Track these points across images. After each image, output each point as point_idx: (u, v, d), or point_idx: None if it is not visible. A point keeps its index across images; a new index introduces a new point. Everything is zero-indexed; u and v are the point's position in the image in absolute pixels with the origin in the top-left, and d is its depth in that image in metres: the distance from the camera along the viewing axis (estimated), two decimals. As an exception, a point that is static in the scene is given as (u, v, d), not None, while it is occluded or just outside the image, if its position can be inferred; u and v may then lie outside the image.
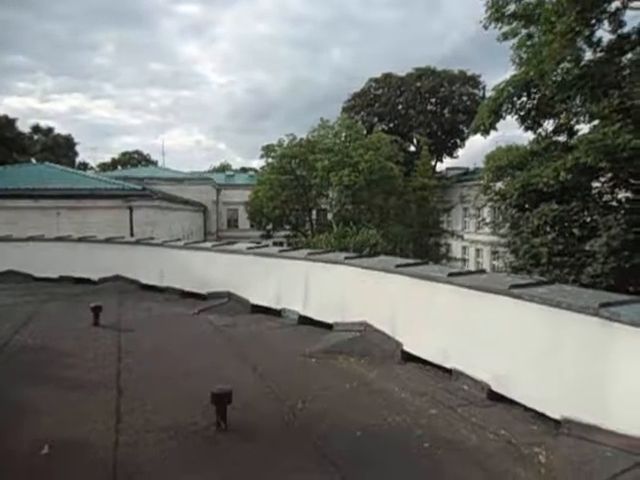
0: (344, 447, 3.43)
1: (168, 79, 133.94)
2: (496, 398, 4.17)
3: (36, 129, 54.62)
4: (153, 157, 75.05)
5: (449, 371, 4.71)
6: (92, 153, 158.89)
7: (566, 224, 13.23)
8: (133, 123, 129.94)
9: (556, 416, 3.65)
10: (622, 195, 14.33)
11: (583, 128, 16.70)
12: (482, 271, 5.56)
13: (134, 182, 25.21)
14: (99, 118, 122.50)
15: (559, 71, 14.49)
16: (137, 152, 77.36)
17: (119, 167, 66.76)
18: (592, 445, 3.28)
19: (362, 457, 3.31)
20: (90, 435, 3.51)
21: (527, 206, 14.65)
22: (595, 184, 14.53)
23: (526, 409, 3.93)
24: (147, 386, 4.53)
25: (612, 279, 11.33)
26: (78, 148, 61.42)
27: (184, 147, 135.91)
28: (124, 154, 76.33)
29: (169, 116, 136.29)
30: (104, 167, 67.99)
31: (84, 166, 61.88)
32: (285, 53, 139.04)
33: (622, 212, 12.16)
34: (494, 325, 4.27)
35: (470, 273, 5.10)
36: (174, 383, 4.63)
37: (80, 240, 10.79)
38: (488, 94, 23.41)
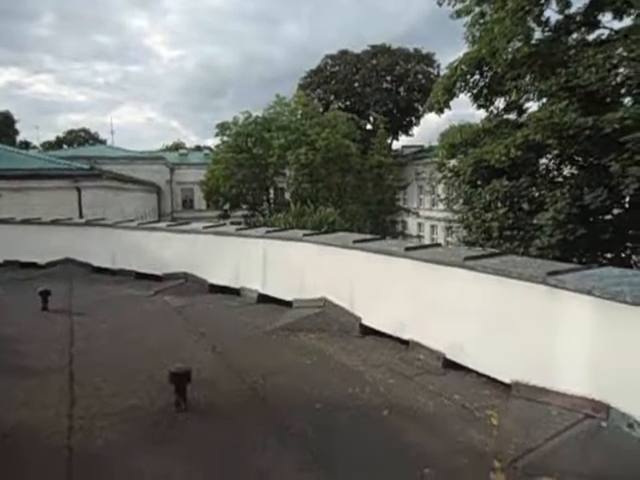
0: (306, 420, 3.46)
1: (115, 53, 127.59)
2: (451, 366, 4.33)
3: (-30, 105, 50.75)
4: (102, 136, 71.61)
5: (406, 342, 4.83)
6: (34, 131, 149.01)
7: (516, 199, 13.73)
8: (78, 100, 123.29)
9: (507, 380, 3.84)
10: (568, 171, 14.97)
11: (532, 106, 17.27)
12: (438, 245, 5.69)
13: (82, 162, 24.01)
14: (41, 94, 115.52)
15: (510, 49, 14.81)
16: (84, 130, 73.64)
17: (65, 146, 63.37)
18: (540, 405, 3.48)
19: (324, 429, 3.36)
20: (42, 422, 3.37)
21: (479, 182, 15.06)
22: (543, 160, 15.09)
23: (479, 375, 4.11)
24: (102, 369, 4.39)
25: (558, 251, 11.91)
26: (18, 126, 57.84)
27: (134, 125, 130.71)
28: (70, 132, 72.52)
29: (117, 92, 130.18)
30: (48, 146, 64.32)
31: (26, 145, 58.20)
32: (237, 27, 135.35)
33: (567, 187, 12.73)
34: (449, 296, 4.40)
35: (426, 247, 5.20)
36: (130, 365, 4.51)
37: (24, 222, 10.23)
38: (442, 72, 23.68)
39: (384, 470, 2.88)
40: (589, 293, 3.20)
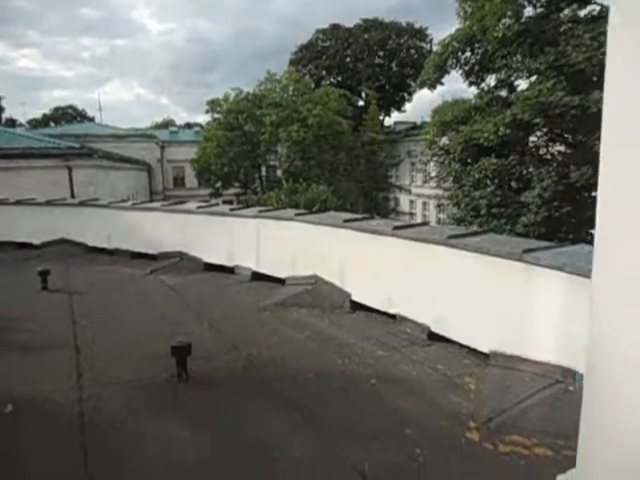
0: (300, 389, 3.74)
1: (101, 26, 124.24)
2: (435, 338, 4.61)
3: (-48, 82, 49.49)
4: (89, 113, 70.38)
5: (393, 316, 5.11)
6: (20, 108, 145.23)
7: (504, 177, 13.97)
8: (65, 75, 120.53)
9: (486, 350, 4.13)
10: (556, 149, 15.19)
11: (521, 84, 17.37)
12: (425, 223, 5.93)
13: (71, 140, 23.78)
14: (25, 69, 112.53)
15: (500, 27, 14.81)
16: (71, 107, 72.17)
17: (52, 123, 62.28)
18: (514, 372, 3.77)
19: (315, 395, 3.64)
20: (53, 392, 3.62)
21: (469, 160, 15.26)
22: (532, 138, 15.28)
23: (461, 346, 4.40)
24: (105, 344, 4.63)
25: (543, 227, 12.24)
26: (4, 103, 56.73)
27: (123, 101, 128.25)
28: (57, 109, 71.05)
29: (105, 67, 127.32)
30: (35, 123, 63.14)
31: (12, 122, 57.17)
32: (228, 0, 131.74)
33: (554, 165, 12.97)
34: (434, 272, 4.66)
35: (413, 226, 5.43)
36: (132, 340, 4.75)
37: (18, 203, 10.30)
38: (435, 48, 23.57)
39: (370, 431, 3.16)
40: (560, 269, 3.46)
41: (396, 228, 5.15)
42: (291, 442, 3.04)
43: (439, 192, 22.43)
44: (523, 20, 14.93)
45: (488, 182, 13.95)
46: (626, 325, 1.20)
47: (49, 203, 10.10)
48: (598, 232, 1.32)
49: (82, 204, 10.01)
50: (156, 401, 3.54)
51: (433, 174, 22.84)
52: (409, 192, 41.17)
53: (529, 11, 15.47)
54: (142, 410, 3.42)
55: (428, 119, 25.89)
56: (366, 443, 3.01)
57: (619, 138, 1.21)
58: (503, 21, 14.65)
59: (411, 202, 41.23)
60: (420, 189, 39.17)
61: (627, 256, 1.18)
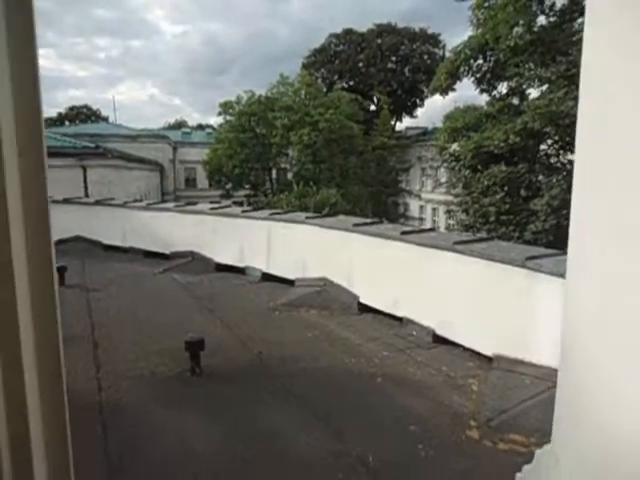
0: (308, 386, 3.89)
1: (116, 27, 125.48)
2: (440, 341, 4.74)
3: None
4: (103, 112, 71.23)
5: (400, 319, 5.24)
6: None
7: (514, 185, 14.03)
8: (80, 75, 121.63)
9: (489, 353, 4.25)
10: (567, 157, 15.21)
11: (533, 92, 17.43)
12: (431, 229, 6.06)
13: (85, 139, 24.18)
14: (42, 69, 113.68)
15: (513, 35, 14.89)
16: (86, 107, 73.12)
17: (67, 122, 63.20)
18: (515, 375, 3.89)
19: (323, 393, 3.79)
20: (72, 383, 3.79)
21: (479, 167, 15.34)
22: (542, 147, 15.32)
23: (465, 349, 4.52)
24: (121, 339, 4.81)
25: (551, 235, 12.28)
26: (20, 101, 57.62)
27: (136, 102, 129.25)
28: (71, 109, 72.06)
29: (119, 68, 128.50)
30: (50, 122, 64.06)
31: (28, 121, 57.91)
32: (241, 2, 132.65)
33: (564, 173, 13.01)
34: (439, 277, 4.79)
35: (420, 231, 5.57)
36: (146, 336, 4.93)
37: (36, 201, 10.57)
38: (447, 54, 23.68)
39: (376, 426, 3.31)
40: (561, 275, 3.57)
41: (404, 233, 5.30)
42: (300, 435, 3.19)
43: (449, 198, 22.48)
44: (535, 29, 15.02)
45: (497, 189, 14.01)
46: (591, 321, 1.34)
47: (66, 201, 10.36)
48: (571, 231, 1.46)
49: (98, 203, 10.27)
50: (171, 394, 3.71)
51: (443, 180, 22.91)
52: (419, 197, 41.16)
53: (542, 20, 15.59)
54: (157, 402, 3.59)
55: (440, 125, 25.99)
56: (371, 438, 3.16)
57: (591, 143, 1.33)
58: (516, 30, 14.73)
59: (421, 207, 41.21)
60: (430, 195, 39.13)
61: (594, 255, 1.31)
